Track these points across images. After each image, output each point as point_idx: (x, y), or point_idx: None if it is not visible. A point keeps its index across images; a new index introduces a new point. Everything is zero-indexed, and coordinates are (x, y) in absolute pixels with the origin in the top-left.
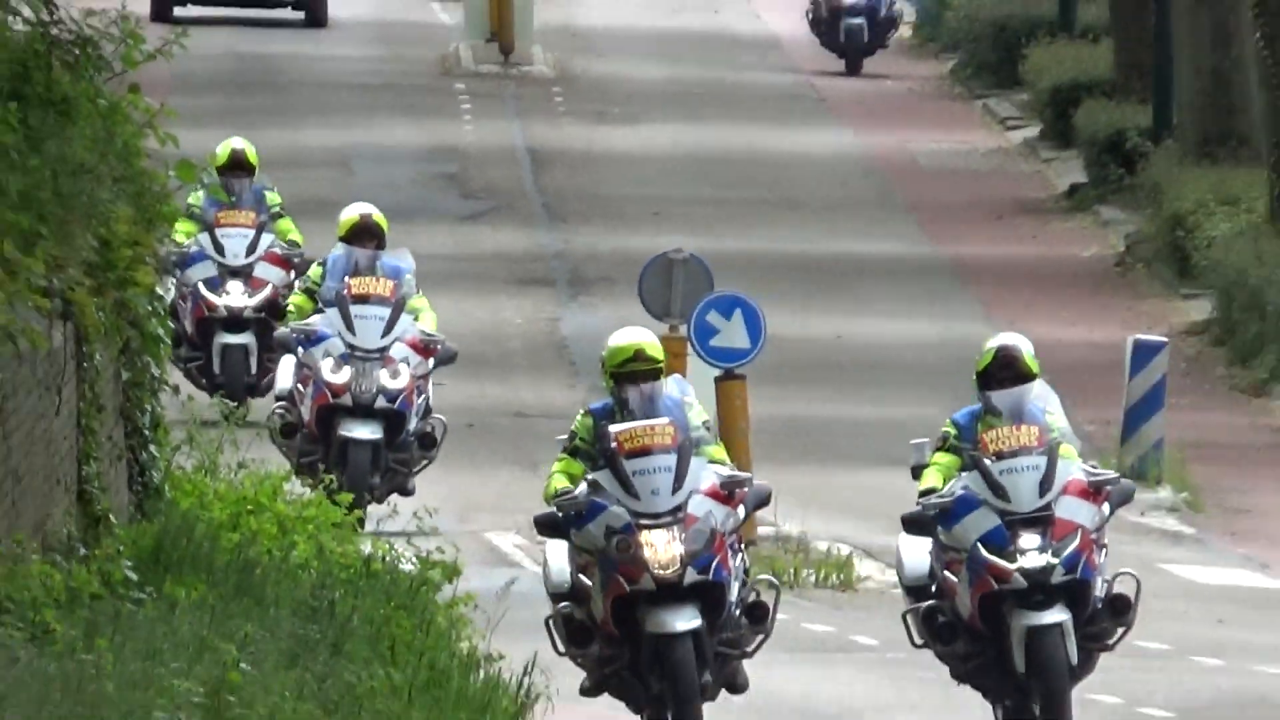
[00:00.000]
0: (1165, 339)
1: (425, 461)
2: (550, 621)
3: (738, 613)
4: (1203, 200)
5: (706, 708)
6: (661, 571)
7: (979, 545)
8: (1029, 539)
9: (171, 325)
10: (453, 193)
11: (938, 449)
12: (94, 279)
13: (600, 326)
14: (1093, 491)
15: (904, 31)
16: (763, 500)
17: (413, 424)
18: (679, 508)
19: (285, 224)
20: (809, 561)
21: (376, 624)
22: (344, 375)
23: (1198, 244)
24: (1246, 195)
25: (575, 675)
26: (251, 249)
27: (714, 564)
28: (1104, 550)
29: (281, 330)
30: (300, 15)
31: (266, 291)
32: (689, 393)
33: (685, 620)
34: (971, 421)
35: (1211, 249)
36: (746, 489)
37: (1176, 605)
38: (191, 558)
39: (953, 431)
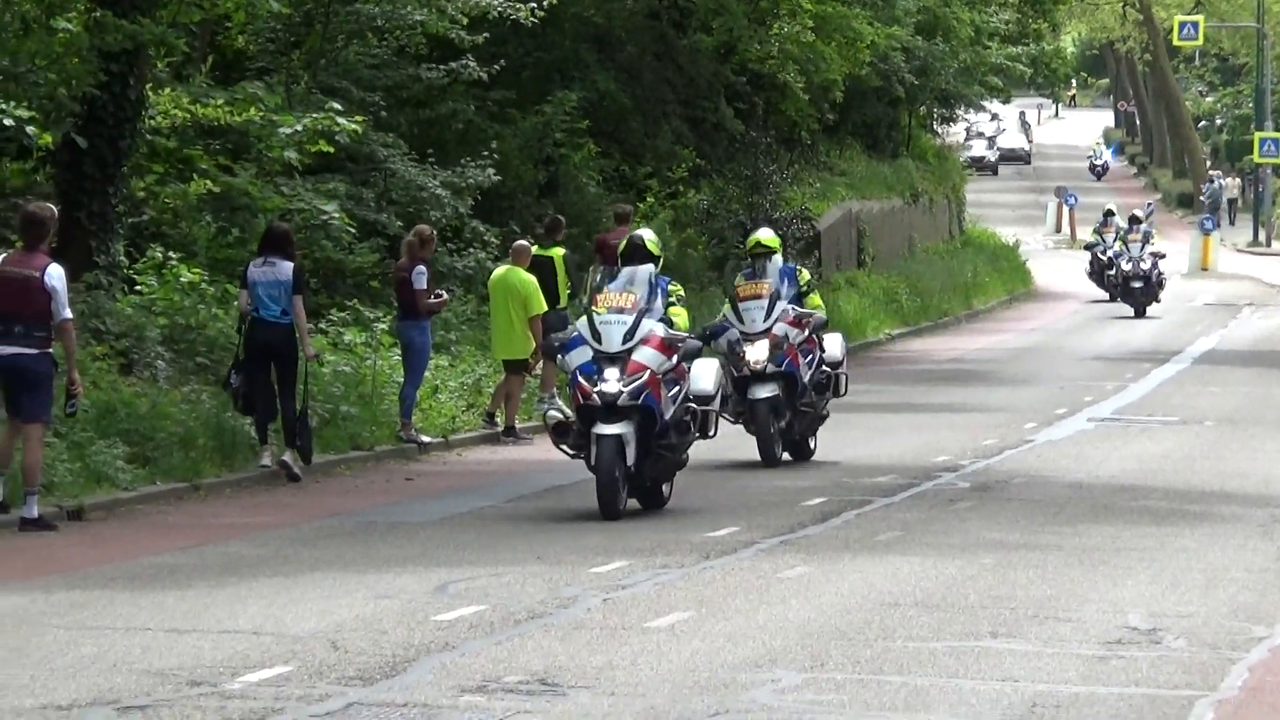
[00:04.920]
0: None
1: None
2: (542, 417)
3: (669, 428)
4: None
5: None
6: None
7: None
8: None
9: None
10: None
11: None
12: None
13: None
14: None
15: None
16: (693, 353)
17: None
18: (627, 352)
19: (814, 298)
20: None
21: None
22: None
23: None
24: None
25: None
26: (767, 315)
27: (645, 393)
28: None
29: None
30: None
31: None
32: (665, 284)
33: (613, 428)
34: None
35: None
36: (682, 345)
37: None
38: None
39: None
